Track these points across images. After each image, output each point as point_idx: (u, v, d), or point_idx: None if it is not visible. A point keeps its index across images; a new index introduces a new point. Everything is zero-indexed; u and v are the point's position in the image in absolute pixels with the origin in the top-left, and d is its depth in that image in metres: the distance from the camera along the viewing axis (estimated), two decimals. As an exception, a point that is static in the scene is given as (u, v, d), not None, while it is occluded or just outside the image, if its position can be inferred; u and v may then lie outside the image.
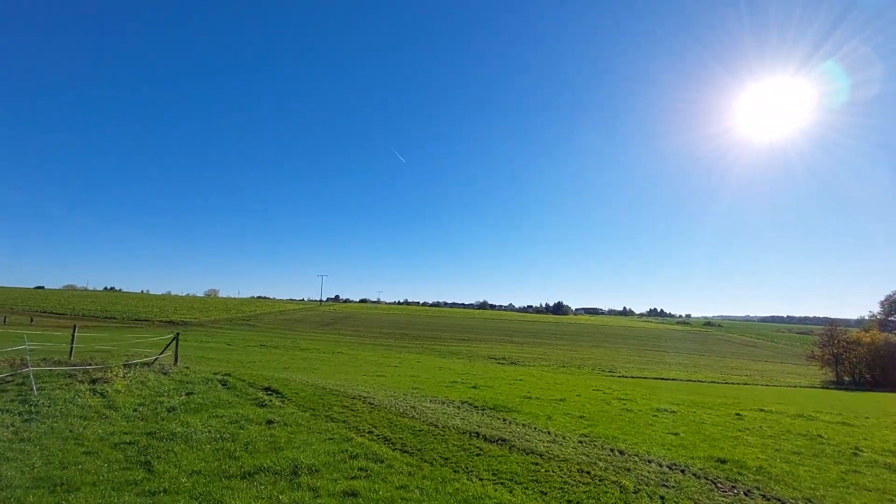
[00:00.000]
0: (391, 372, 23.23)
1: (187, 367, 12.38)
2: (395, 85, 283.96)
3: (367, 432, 7.83)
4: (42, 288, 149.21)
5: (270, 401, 9.44)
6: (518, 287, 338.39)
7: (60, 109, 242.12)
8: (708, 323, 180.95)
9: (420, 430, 8.21)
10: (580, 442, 8.33)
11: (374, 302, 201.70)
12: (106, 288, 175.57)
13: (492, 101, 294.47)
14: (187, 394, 9.26)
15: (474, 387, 17.21)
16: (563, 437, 8.53)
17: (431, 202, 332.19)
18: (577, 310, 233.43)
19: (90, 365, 10.69)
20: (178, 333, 13.00)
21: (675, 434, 9.90)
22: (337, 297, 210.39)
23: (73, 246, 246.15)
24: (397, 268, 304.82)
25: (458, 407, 11.21)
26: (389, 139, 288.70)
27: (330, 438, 7.06)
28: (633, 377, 38.13)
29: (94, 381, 8.97)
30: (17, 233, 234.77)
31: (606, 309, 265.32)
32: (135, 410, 7.52)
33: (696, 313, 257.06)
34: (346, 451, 6.28)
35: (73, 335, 12.60)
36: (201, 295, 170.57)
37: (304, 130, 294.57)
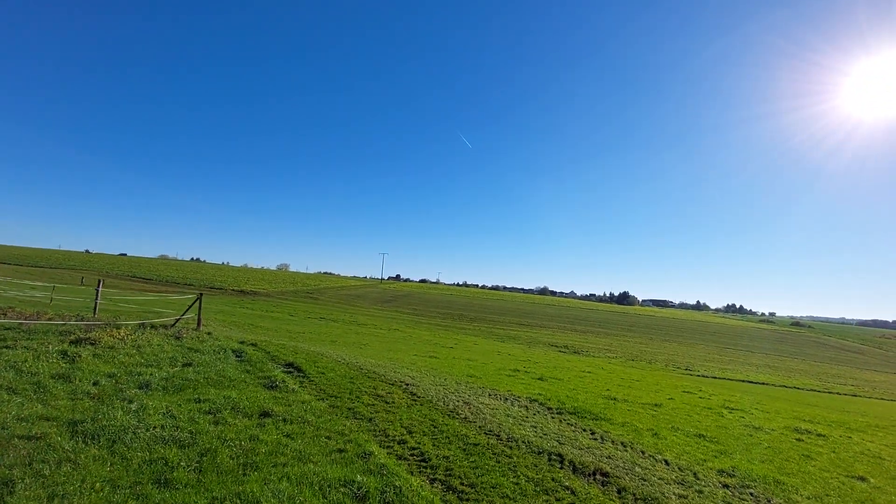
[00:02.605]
0: (445, 354, 20.93)
1: (209, 333, 10.72)
2: (462, 65, 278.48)
3: (398, 442, 5.38)
4: (141, 257, 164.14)
5: (285, 382, 7.30)
6: (580, 274, 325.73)
7: (168, 107, 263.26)
8: (796, 323, 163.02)
9: (475, 445, 5.64)
10: (724, 486, 5.35)
11: (434, 282, 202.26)
12: (192, 258, 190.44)
13: (558, 80, 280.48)
14: (184, 365, 7.38)
15: (540, 378, 14.40)
16: (696, 476, 5.58)
17: (494, 186, 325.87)
18: (644, 301, 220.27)
19: (96, 322, 9.22)
20: (200, 294, 11.47)
21: (862, 479, 6.55)
22: (398, 276, 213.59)
23: (166, 219, 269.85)
24: (457, 249, 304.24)
25: (526, 407, 8.51)
26: (456, 123, 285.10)
27: (339, 451, 4.69)
28: (714, 377, 33.24)
29: (76, 342, 7.36)
30: (129, 212, 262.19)
31: (677, 302, 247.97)
32: (94, 384, 5.65)
33: (781, 312, 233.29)
34: (354, 482, 3.84)
35: (97, 290, 11.40)
36: (273, 268, 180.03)
37: (372, 116, 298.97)
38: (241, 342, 11.07)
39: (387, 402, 7.23)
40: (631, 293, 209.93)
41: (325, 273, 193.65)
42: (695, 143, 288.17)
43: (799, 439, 9.62)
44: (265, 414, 5.49)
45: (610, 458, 5.93)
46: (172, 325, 10.71)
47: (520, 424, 7.02)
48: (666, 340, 70.05)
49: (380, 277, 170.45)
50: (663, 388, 18.60)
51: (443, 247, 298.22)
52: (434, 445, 5.41)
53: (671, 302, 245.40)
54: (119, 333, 8.38)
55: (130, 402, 5.24)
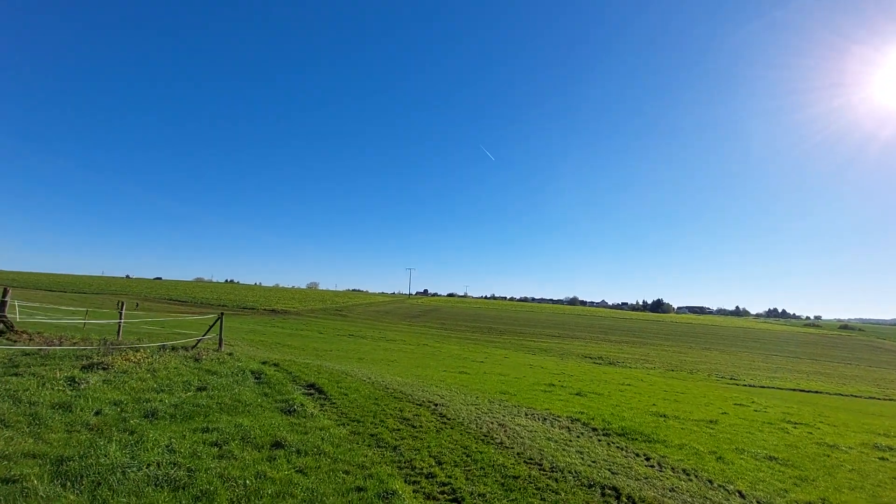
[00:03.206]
0: (475, 369, 20.10)
1: (230, 354, 10.33)
2: (486, 83, 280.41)
3: (426, 475, 4.69)
4: (178, 280, 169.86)
5: (303, 406, 6.74)
6: (610, 283, 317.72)
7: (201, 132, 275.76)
8: (844, 326, 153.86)
9: (515, 477, 4.89)
10: (820, 526, 4.42)
11: (461, 296, 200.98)
12: (227, 280, 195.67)
13: (584, 96, 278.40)
14: (198, 389, 6.93)
15: (578, 393, 13.42)
16: (784, 514, 4.66)
17: (518, 198, 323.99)
18: (679, 308, 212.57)
19: (116, 346, 8.96)
20: (221, 314, 11.16)
21: None
22: (425, 290, 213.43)
23: (202, 241, 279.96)
24: (484, 262, 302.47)
25: (568, 428, 7.66)
26: (479, 137, 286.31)
27: (357, 490, 4.04)
28: (763, 387, 31.06)
29: (88, 367, 7.03)
30: (165, 235, 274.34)
31: (715, 308, 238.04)
32: (96, 413, 5.22)
33: (828, 315, 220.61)
34: (373, 533, 3.20)
35: (120, 313, 11.25)
36: (304, 287, 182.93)
37: (396, 132, 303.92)
38: (264, 362, 10.65)
39: (414, 427, 6.55)
40: (665, 300, 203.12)
41: (354, 290, 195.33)
42: (721, 137, 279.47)
43: (883, 458, 8.41)
44: (277, 444, 4.91)
45: (674, 490, 5.07)
46: (193, 347, 10.40)
47: (563, 450, 6.21)
48: (706, 349, 66.71)
49: (408, 293, 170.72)
50: (713, 400, 17.29)
51: (469, 260, 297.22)
52: (467, 479, 4.70)
53: (708, 308, 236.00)
54: (135, 357, 8.05)
55: (131, 432, 4.78)
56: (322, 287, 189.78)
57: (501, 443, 6.24)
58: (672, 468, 5.92)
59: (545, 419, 8.21)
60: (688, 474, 5.76)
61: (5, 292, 12.70)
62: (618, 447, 6.74)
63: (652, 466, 5.94)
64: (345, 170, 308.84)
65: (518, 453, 5.83)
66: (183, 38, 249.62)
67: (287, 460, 4.52)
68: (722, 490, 5.30)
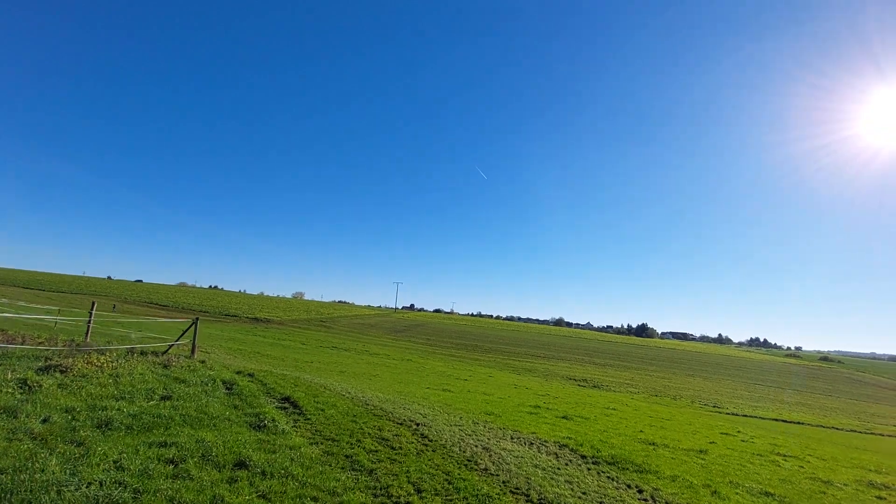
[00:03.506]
0: (459, 387, 19.62)
1: (202, 362, 9.79)
2: (480, 103, 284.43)
3: (405, 504, 4.28)
4: (160, 284, 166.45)
5: (275, 421, 6.28)
6: (596, 305, 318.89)
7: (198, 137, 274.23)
8: (824, 357, 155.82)
9: (501, 509, 4.50)
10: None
11: (448, 312, 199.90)
12: (210, 286, 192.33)
13: (577, 111, 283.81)
14: (162, 398, 6.43)
15: (565, 416, 13.03)
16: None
17: (507, 217, 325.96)
18: (663, 333, 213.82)
19: (82, 347, 8.40)
20: (196, 319, 10.63)
21: None
22: (412, 305, 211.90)
23: (186, 246, 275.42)
24: (472, 280, 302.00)
25: (556, 455, 7.27)
26: (474, 156, 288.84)
27: (325, 523, 3.62)
28: (745, 416, 30.94)
29: (45, 369, 6.50)
30: (152, 237, 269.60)
31: (698, 335, 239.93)
32: (43, 421, 4.73)
33: (808, 346, 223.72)
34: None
35: (90, 313, 10.65)
36: (289, 296, 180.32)
37: (387, 144, 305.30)
38: (238, 372, 10.12)
39: (393, 448, 6.12)
40: (650, 325, 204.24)
41: (340, 302, 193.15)
42: (707, 167, 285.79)
43: (880, 497, 8.15)
44: (241, 464, 4.46)
45: (670, 530, 4.71)
46: (164, 353, 9.84)
47: (552, 479, 5.82)
48: (689, 375, 66.72)
49: (394, 307, 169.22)
50: (699, 429, 17.05)
51: (457, 277, 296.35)
52: (449, 510, 4.30)
53: (692, 335, 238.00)
54: (98, 360, 7.51)
55: (79, 444, 4.30)
56: (308, 297, 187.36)
57: (486, 469, 5.83)
58: (667, 502, 5.57)
59: (532, 444, 7.81)
60: (683, 511, 5.41)
61: (-32, 286, 12.01)
62: (608, 477, 6.37)
63: (646, 500, 5.58)
64: (335, 180, 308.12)
65: (504, 482, 5.43)
66: (175, 41, 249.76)
67: (250, 483, 4.08)
68: (720, 529, 4.96)
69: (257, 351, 25.18)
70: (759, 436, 16.88)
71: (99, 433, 4.72)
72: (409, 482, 4.89)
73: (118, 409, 5.51)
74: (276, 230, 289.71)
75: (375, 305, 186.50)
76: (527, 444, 7.78)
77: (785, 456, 11.92)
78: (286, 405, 7.70)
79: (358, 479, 4.73)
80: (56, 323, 20.08)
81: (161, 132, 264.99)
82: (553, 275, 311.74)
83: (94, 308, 10.93)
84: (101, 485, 3.47)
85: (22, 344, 9.20)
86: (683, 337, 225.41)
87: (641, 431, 12.72)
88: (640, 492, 5.92)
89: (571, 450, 7.69)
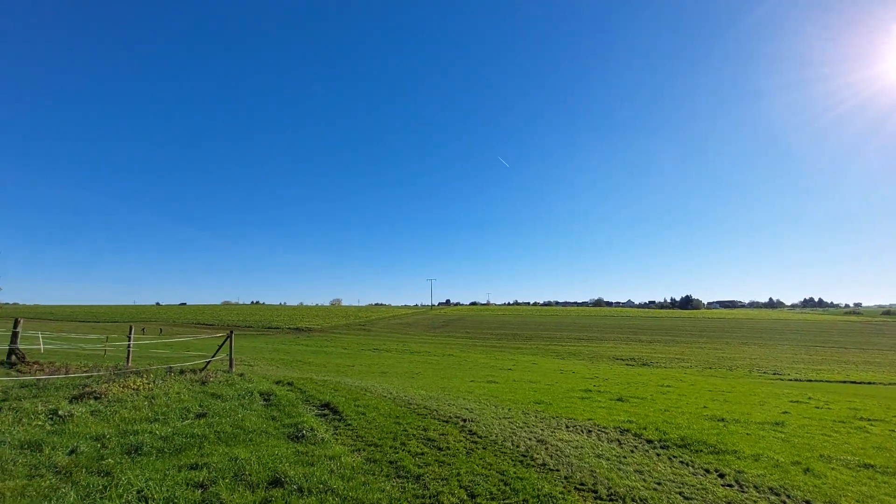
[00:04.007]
0: (504, 377, 19.06)
1: (241, 375, 9.64)
2: (502, 90, 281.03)
3: (457, 515, 3.80)
4: (205, 304, 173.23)
5: (314, 430, 5.92)
6: (635, 282, 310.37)
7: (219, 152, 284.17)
8: (887, 312, 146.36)
9: (568, 512, 3.95)
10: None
11: (484, 304, 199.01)
12: (252, 302, 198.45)
13: (601, 87, 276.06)
14: (197, 416, 6.20)
15: (619, 398, 12.29)
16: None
17: (536, 201, 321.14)
18: (709, 303, 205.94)
19: (124, 371, 8.36)
20: (231, 333, 10.51)
21: None
22: (447, 301, 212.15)
23: (228, 266, 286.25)
24: (505, 269, 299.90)
25: (619, 441, 6.63)
26: (495, 147, 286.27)
27: (369, 542, 3.18)
28: (810, 380, 29.01)
29: (78, 398, 6.39)
30: (197, 259, 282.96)
31: (747, 301, 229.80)
32: (70, 452, 4.51)
33: (869, 301, 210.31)
34: None
35: (129, 337, 10.71)
36: (327, 304, 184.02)
37: (412, 143, 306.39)
38: (278, 382, 9.93)
39: (440, 449, 5.65)
40: (694, 296, 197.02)
41: (377, 304, 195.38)
42: (742, 118, 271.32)
43: None
44: (276, 482, 4.09)
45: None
46: (202, 369, 9.75)
47: (619, 469, 5.21)
48: (743, 343, 63.73)
49: (430, 304, 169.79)
50: (765, 398, 15.89)
51: (490, 268, 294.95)
52: (508, 518, 3.78)
53: (740, 302, 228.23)
54: (134, 383, 7.41)
55: (106, 474, 4.04)
56: (345, 303, 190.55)
57: (544, 464, 5.28)
58: (755, 487, 4.86)
59: (590, 431, 7.19)
60: (777, 494, 4.69)
61: (16, 323, 12.36)
62: (682, 462, 5.69)
63: (730, 486, 4.89)
64: (361, 185, 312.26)
65: (566, 477, 4.86)
66: (202, 55, 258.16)
67: (284, 503, 3.69)
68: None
69: (299, 360, 25.43)
70: (833, 401, 15.61)
71: (128, 460, 4.46)
72: (460, 486, 4.40)
73: (150, 433, 5.27)
74: (310, 241, 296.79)
75: (412, 304, 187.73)
76: (584, 431, 7.17)
77: (870, 420, 10.81)
78: (326, 412, 7.37)
79: (404, 488, 4.28)
80: (105, 351, 20.78)
81: (191, 156, 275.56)
82: (588, 255, 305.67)
83: (132, 332, 11.00)
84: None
85: (66, 374, 9.29)
86: (731, 305, 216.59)
87: (705, 407, 11.84)
88: (722, 476, 5.22)
89: (635, 434, 7.02)
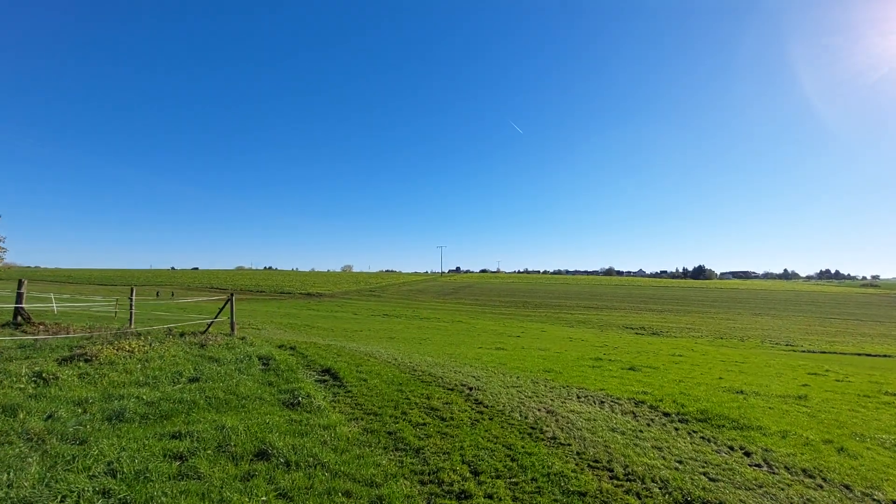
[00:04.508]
0: (512, 344, 18.84)
1: (242, 339, 9.40)
2: (511, 50, 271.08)
3: (458, 496, 3.43)
4: (219, 269, 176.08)
5: (310, 397, 5.61)
6: (647, 251, 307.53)
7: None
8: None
9: (582, 494, 3.56)
10: None
11: (494, 272, 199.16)
12: (265, 267, 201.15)
13: (617, 51, 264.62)
14: (190, 380, 5.93)
15: (631, 368, 11.92)
16: None
17: (548, 170, 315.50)
18: (722, 274, 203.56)
19: (118, 333, 8.15)
20: (231, 295, 10.22)
21: None
22: (458, 268, 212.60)
23: (242, 232, 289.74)
24: (515, 237, 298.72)
25: (633, 413, 6.24)
26: (506, 112, 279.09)
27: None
28: (823, 352, 28.50)
29: (67, 359, 6.15)
30: (213, 225, 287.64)
31: (761, 272, 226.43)
32: (47, 418, 4.22)
33: (887, 274, 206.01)
34: None
35: (130, 299, 10.50)
36: (338, 270, 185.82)
37: (423, 108, 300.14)
38: (281, 346, 9.70)
39: (443, 419, 5.30)
40: (707, 266, 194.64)
41: (388, 271, 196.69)
42: (764, 81, 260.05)
43: None
44: (262, 454, 3.76)
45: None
46: (203, 332, 9.53)
47: (636, 445, 4.82)
48: (756, 314, 63.03)
49: (440, 271, 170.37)
50: (782, 370, 15.46)
51: (500, 236, 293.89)
52: (515, 500, 3.40)
53: (754, 273, 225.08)
54: (130, 345, 7.16)
55: (82, 442, 3.75)
56: (356, 269, 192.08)
57: (554, 437, 4.91)
58: (787, 468, 4.44)
59: (603, 402, 6.81)
60: (812, 476, 4.27)
61: (20, 284, 12.22)
62: (703, 438, 5.29)
63: (759, 466, 4.47)
64: (372, 150, 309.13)
65: (578, 452, 4.48)
66: (222, 24, 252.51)
67: (268, 479, 3.35)
68: (872, 501, 3.81)
69: (308, 324, 25.49)
70: (852, 373, 15.14)
71: (107, 427, 4.17)
72: (463, 461, 4.04)
73: (136, 398, 4.98)
74: (323, 208, 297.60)
75: (422, 271, 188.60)
76: (597, 402, 6.79)
77: (896, 395, 10.33)
78: (326, 377, 7.08)
79: (402, 462, 3.93)
80: (115, 313, 20.94)
81: (210, 129, 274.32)
82: (600, 224, 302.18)
83: (134, 294, 10.77)
84: (78, 497, 2.83)
85: (67, 335, 9.13)
86: (745, 276, 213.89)
87: (721, 378, 11.44)
88: (748, 454, 4.81)
89: (651, 406, 6.63)
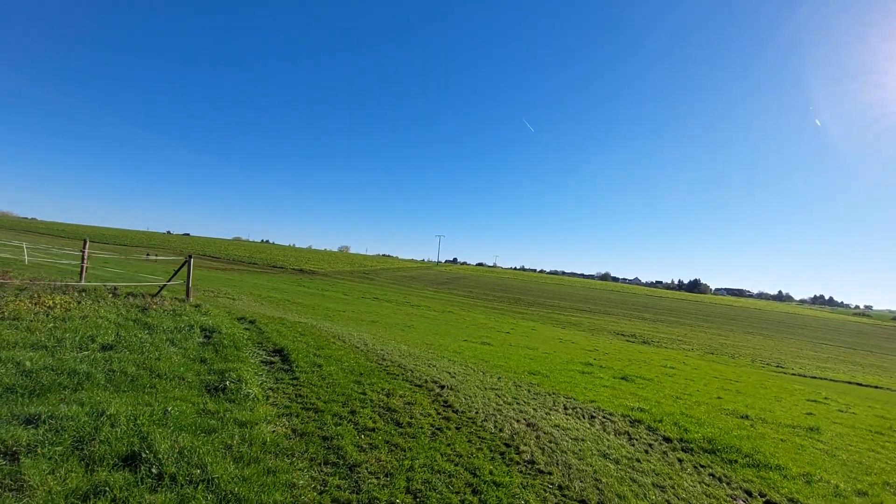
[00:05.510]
0: (500, 340, 17.88)
1: (197, 306, 8.36)
2: (525, 55, 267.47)
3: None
4: (216, 238, 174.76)
5: (241, 382, 4.60)
6: (645, 261, 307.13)
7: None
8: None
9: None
10: None
11: (490, 266, 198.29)
12: (262, 240, 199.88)
13: (629, 61, 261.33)
14: (103, 348, 4.92)
15: (624, 378, 10.98)
16: None
17: (553, 170, 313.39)
18: (717, 290, 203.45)
19: (51, 286, 7.11)
20: (190, 257, 9.18)
21: None
22: (454, 259, 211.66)
23: (241, 203, 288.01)
24: (515, 234, 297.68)
25: (628, 435, 5.25)
26: (520, 110, 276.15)
27: None
28: (813, 377, 27.58)
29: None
30: (215, 194, 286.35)
31: (755, 291, 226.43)
32: None
33: (880, 305, 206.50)
34: None
35: (83, 254, 9.46)
36: (335, 250, 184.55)
37: (432, 102, 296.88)
38: (240, 319, 8.69)
39: (398, 425, 4.30)
40: (702, 281, 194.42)
41: (384, 255, 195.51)
42: (775, 103, 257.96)
43: None
44: (130, 459, 2.73)
45: None
46: (154, 295, 8.50)
47: (632, 481, 3.83)
48: (748, 333, 62.27)
49: (436, 260, 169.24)
50: (779, 394, 14.58)
51: (500, 231, 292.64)
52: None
53: (749, 291, 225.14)
54: (51, 300, 6.15)
55: None
56: (353, 251, 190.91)
57: (532, 461, 3.92)
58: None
59: (593, 417, 5.83)
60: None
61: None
62: (713, 477, 4.31)
63: (789, 525, 3.50)
64: (381, 137, 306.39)
65: (560, 486, 3.50)
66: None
67: (116, 501, 2.35)
68: None
69: (289, 299, 24.44)
70: (852, 404, 14.27)
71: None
72: (407, 491, 3.04)
73: (17, 364, 3.97)
74: (325, 187, 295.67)
75: (419, 259, 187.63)
76: (586, 417, 5.80)
77: (913, 433, 9.41)
78: (275, 359, 6.07)
79: (325, 485, 2.93)
80: (86, 268, 19.92)
81: (219, 97, 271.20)
82: (599, 229, 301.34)
83: (87, 247, 9.73)
84: None
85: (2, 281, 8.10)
86: (740, 293, 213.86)
87: (719, 398, 10.51)
88: (771, 505, 3.83)
89: (649, 428, 5.64)
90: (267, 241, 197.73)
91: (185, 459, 2.82)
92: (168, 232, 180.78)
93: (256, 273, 61.08)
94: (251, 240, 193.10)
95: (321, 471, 3.15)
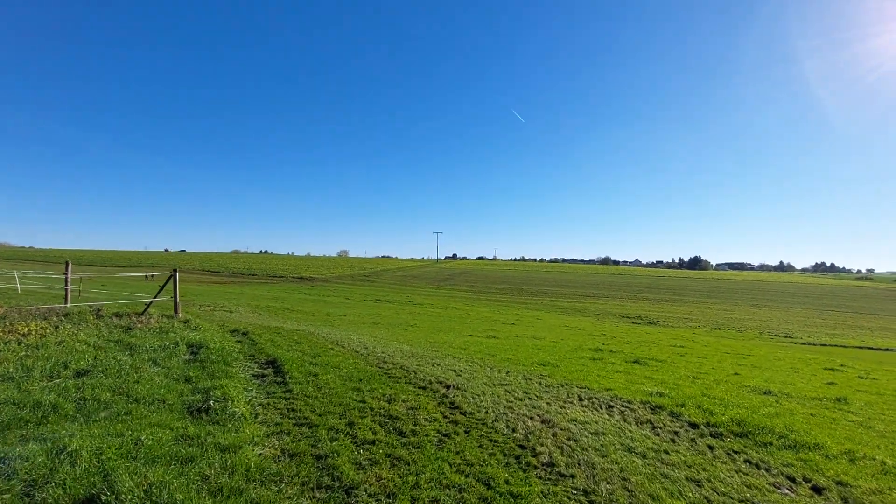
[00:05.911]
0: (506, 332, 17.51)
1: (186, 322, 7.98)
2: (521, 47, 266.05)
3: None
4: (212, 252, 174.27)
5: (227, 401, 4.22)
6: (644, 242, 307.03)
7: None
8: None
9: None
10: None
11: (490, 259, 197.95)
12: (261, 251, 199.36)
13: (622, 37, 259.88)
14: (77, 374, 4.54)
15: (636, 361, 10.61)
16: None
17: (546, 160, 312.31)
18: (718, 265, 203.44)
19: (30, 312, 6.72)
20: (175, 271, 8.78)
21: None
22: (454, 255, 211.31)
23: (239, 216, 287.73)
24: (513, 225, 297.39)
25: (651, 424, 4.88)
26: (508, 100, 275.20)
27: None
28: (823, 345, 27.39)
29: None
30: (212, 209, 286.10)
31: (756, 264, 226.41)
32: None
33: (882, 268, 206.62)
34: None
35: (66, 278, 9.06)
36: (334, 255, 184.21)
37: (423, 95, 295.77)
38: (233, 331, 8.30)
39: (402, 434, 3.92)
40: (703, 257, 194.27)
41: (383, 256, 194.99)
42: (766, 76, 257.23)
43: None
44: (89, 502, 2.38)
45: None
46: (140, 314, 8.10)
47: (663, 477, 3.46)
48: (753, 305, 62.09)
49: (436, 258, 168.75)
50: (795, 364, 14.28)
51: (497, 223, 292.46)
52: None
53: (750, 264, 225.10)
54: (26, 327, 5.76)
55: None
56: (352, 255, 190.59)
57: (551, 463, 3.54)
58: (882, 517, 3.09)
59: (611, 407, 5.45)
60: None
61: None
62: (749, 463, 3.94)
63: (842, 513, 3.13)
64: (371, 138, 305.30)
65: (586, 490, 3.12)
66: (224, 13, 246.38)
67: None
68: None
69: (289, 308, 24.07)
70: (870, 369, 13.97)
71: None
72: (413, 513, 2.67)
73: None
74: (321, 194, 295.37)
75: (418, 258, 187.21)
76: (604, 407, 5.43)
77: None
78: (267, 371, 5.69)
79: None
80: (80, 293, 19.53)
81: (216, 112, 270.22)
82: (597, 214, 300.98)
83: (69, 269, 9.33)
84: None
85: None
86: (741, 267, 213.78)
87: (736, 374, 10.17)
88: (818, 491, 3.47)
89: (672, 414, 5.26)
90: (266, 252, 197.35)
91: (153, 498, 2.44)
92: (166, 250, 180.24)
93: (256, 284, 60.71)
94: (250, 251, 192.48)
95: (313, 496, 2.77)
